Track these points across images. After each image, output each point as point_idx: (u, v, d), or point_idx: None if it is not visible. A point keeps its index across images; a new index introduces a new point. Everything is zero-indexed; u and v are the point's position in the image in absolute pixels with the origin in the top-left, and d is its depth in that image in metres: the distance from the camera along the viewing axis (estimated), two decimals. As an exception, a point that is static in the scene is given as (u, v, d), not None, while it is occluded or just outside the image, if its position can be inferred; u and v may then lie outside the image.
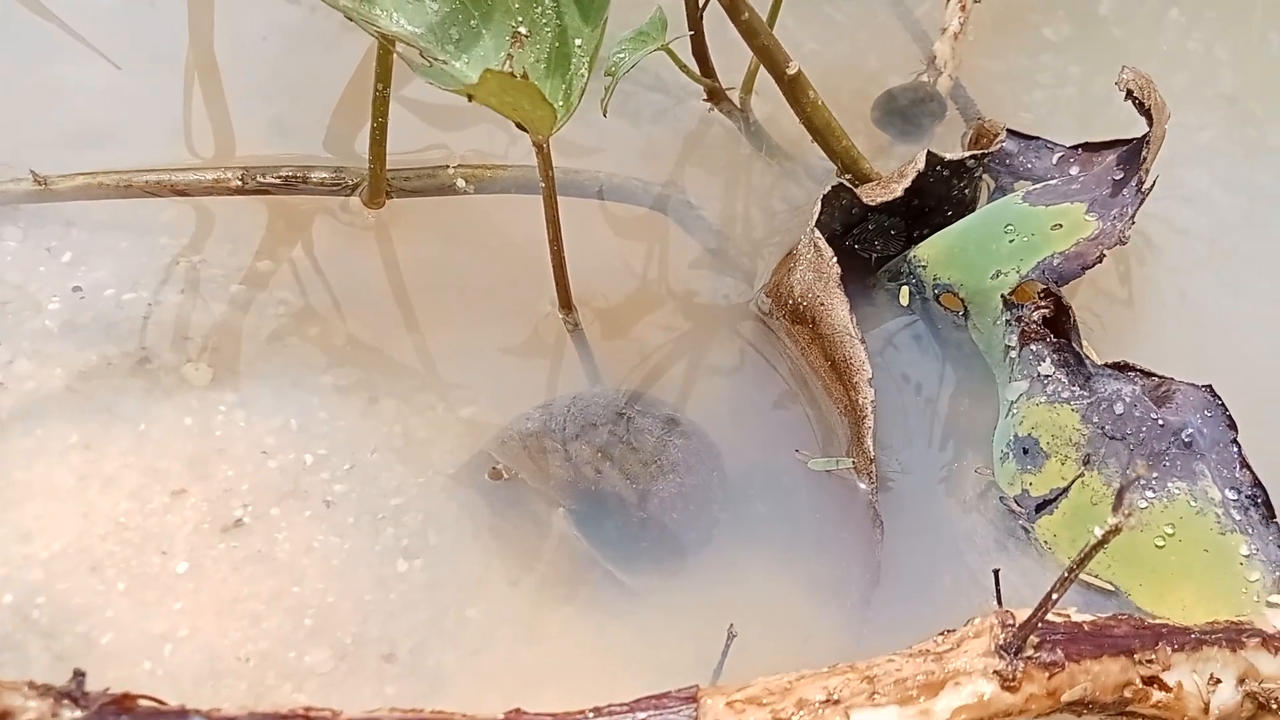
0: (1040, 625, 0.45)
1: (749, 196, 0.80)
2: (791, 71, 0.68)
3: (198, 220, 0.74)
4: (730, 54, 0.79)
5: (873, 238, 0.73)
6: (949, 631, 0.47)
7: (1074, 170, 0.75)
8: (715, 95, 0.80)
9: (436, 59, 0.58)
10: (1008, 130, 0.76)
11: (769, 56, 0.67)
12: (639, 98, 0.83)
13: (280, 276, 0.72)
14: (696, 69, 0.77)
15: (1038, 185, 0.70)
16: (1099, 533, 0.39)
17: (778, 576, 0.62)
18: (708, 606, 0.59)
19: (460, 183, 0.75)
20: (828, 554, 0.62)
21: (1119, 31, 0.90)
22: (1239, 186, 0.81)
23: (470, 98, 0.56)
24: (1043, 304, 0.60)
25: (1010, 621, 0.44)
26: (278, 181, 0.74)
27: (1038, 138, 0.76)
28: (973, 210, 0.74)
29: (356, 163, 0.76)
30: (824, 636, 0.60)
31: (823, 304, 0.63)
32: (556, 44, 0.58)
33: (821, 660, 0.51)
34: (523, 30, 0.58)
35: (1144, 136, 0.65)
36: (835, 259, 0.63)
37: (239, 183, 0.73)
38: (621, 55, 0.71)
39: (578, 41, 0.58)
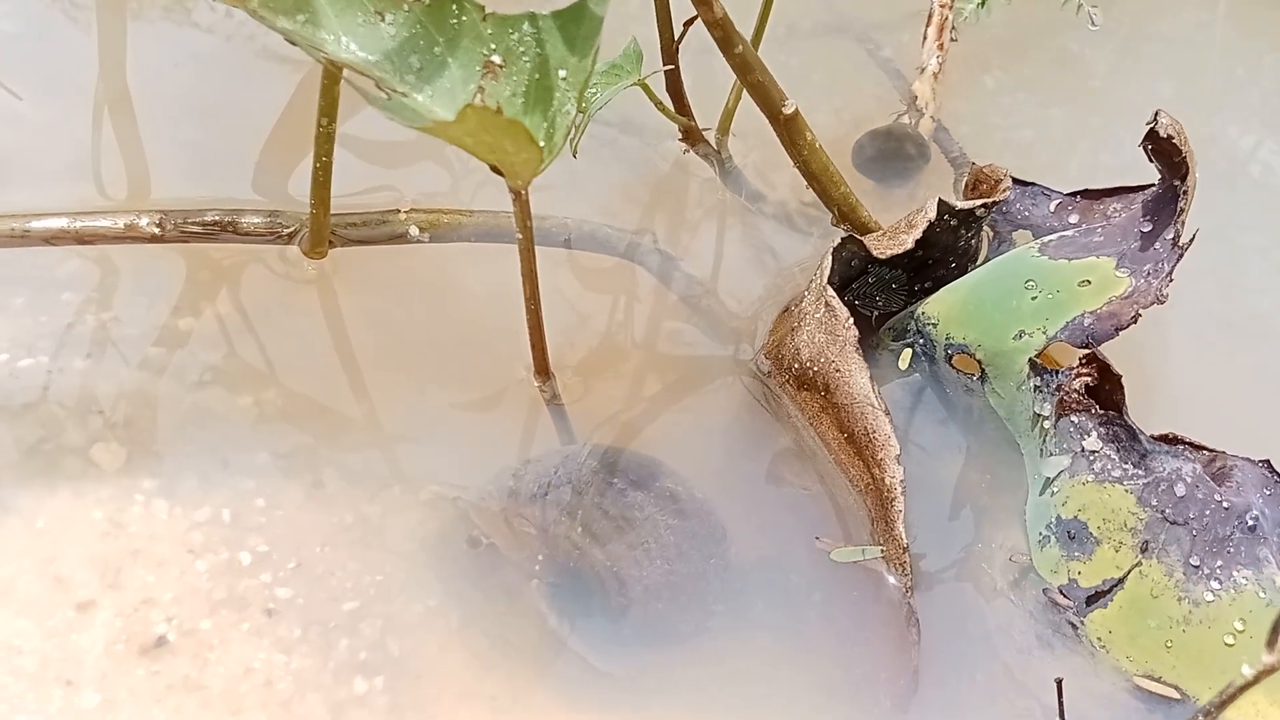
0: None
1: (728, 244, 0.73)
2: (788, 111, 0.61)
3: (106, 272, 0.65)
4: (705, 92, 0.73)
5: (873, 292, 0.66)
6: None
7: (1073, 219, 0.70)
8: (691, 135, 0.74)
9: (395, 90, 0.50)
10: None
11: (764, 94, 0.61)
12: (607, 137, 0.76)
13: (204, 336, 0.63)
14: (671, 107, 0.70)
15: (1053, 236, 0.64)
16: (1249, 672, 0.32)
17: (787, 681, 0.55)
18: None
19: (413, 230, 0.66)
20: (845, 653, 0.55)
21: (1098, 70, 0.86)
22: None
23: (440, 135, 0.48)
24: (1085, 371, 0.54)
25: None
26: (201, 228, 0.64)
27: (1034, 184, 0.71)
28: (975, 262, 0.69)
29: (290, 205, 0.67)
30: (847, 753, 0.52)
31: (838, 370, 0.56)
32: (536, 76, 0.51)
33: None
34: (496, 60, 0.51)
35: (1169, 187, 0.59)
36: (851, 320, 0.56)
37: (156, 229, 0.64)
38: (593, 91, 0.64)
39: (562, 73, 0.50)
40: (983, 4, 0.85)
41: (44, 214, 0.63)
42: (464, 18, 0.51)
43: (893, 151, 0.79)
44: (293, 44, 0.50)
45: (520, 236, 0.54)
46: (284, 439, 0.59)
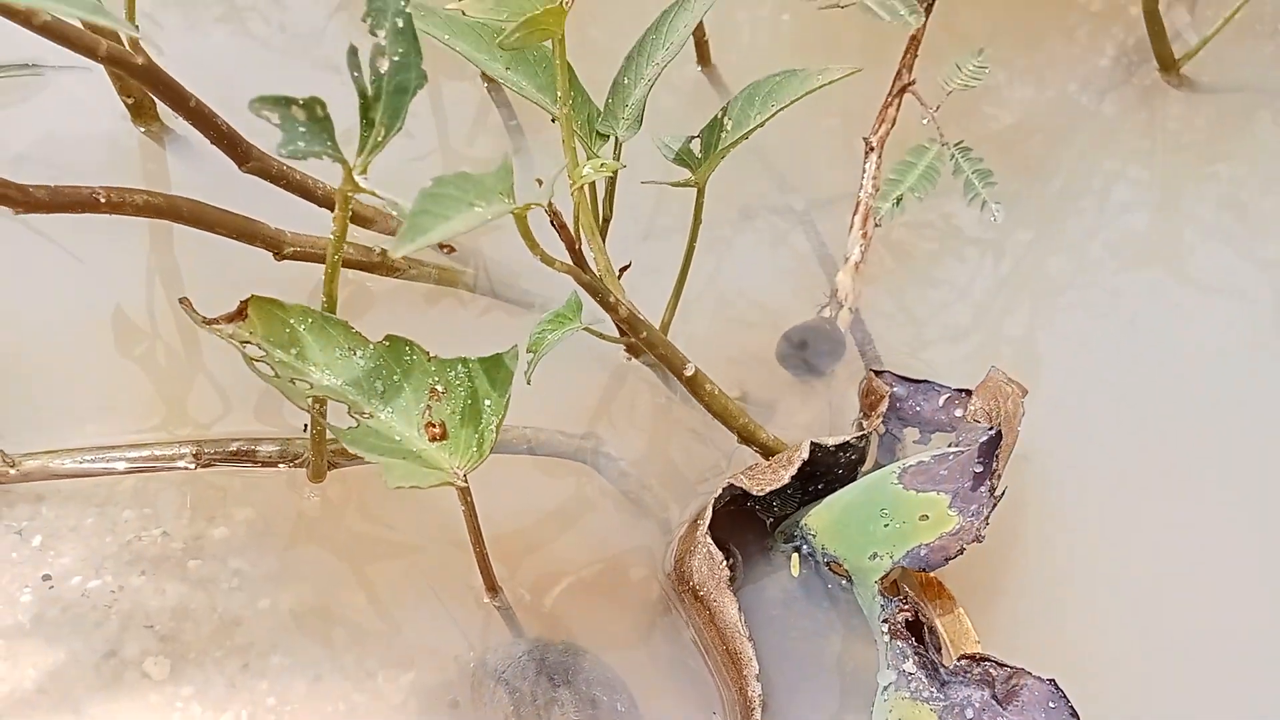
0: None
1: (668, 445, 0.87)
2: (689, 373, 0.75)
3: (156, 489, 0.81)
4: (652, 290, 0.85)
5: (770, 499, 0.80)
6: None
7: (958, 413, 0.83)
8: (635, 349, 0.88)
9: (363, 412, 0.66)
10: (896, 376, 0.84)
11: (668, 360, 0.75)
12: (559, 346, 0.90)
13: (234, 543, 0.79)
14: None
15: (913, 461, 0.77)
16: None
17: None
18: None
19: (396, 450, 0.82)
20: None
21: (1023, 265, 0.97)
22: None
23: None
24: (905, 608, 0.68)
25: None
26: (228, 456, 0.81)
27: (925, 381, 0.84)
28: (864, 464, 0.82)
29: (288, 431, 0.83)
30: None
31: (715, 601, 0.71)
32: (469, 401, 0.66)
33: None
34: (439, 388, 0.66)
35: (994, 438, 0.73)
36: (725, 563, 0.70)
37: (193, 460, 0.80)
38: (541, 335, 0.79)
39: (487, 402, 0.66)
40: (898, 203, 0.94)
41: (104, 448, 0.80)
42: (414, 357, 0.66)
43: (810, 348, 0.92)
44: (280, 391, 0.65)
45: (467, 517, 0.69)
46: (291, 637, 0.75)
